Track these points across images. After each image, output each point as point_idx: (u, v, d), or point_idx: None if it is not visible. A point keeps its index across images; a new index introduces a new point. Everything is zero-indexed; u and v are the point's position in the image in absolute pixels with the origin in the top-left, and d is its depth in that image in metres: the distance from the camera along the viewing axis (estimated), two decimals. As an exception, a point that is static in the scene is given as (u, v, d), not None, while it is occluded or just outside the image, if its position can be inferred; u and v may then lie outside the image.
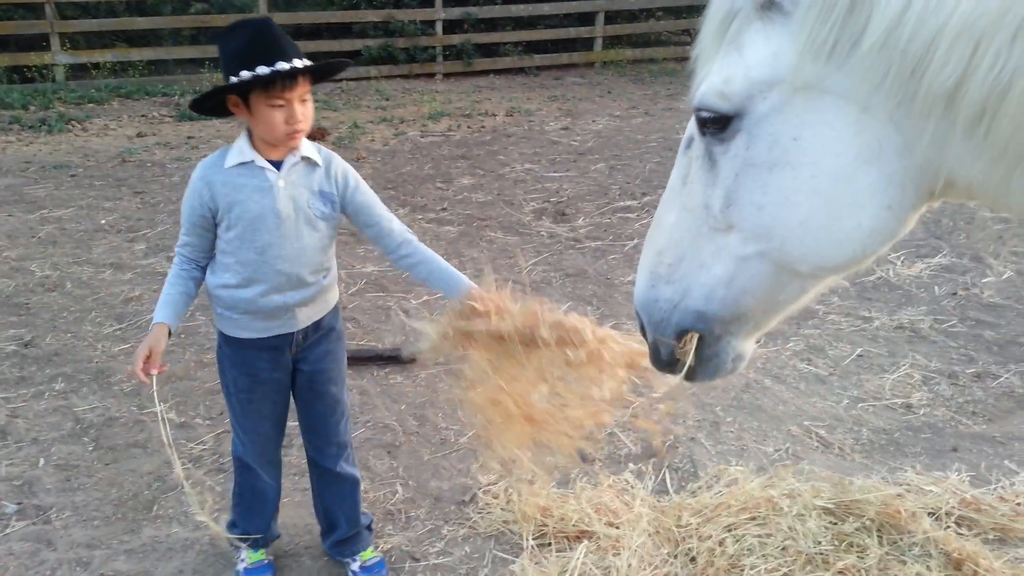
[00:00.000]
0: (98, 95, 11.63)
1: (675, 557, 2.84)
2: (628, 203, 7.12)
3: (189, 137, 9.75)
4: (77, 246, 6.15)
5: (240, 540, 2.81)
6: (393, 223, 2.60)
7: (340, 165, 2.56)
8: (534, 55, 14.42)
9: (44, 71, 12.07)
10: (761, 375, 4.24)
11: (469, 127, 10.28)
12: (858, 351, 4.50)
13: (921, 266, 5.59)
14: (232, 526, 2.87)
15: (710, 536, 2.88)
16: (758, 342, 1.72)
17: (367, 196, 2.59)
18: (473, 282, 2.50)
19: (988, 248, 5.85)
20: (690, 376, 1.67)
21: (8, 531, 3.11)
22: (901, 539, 2.86)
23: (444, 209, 7.02)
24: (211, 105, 2.41)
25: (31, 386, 4.16)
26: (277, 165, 2.44)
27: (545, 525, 3.03)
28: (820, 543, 2.82)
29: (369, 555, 2.90)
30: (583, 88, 13.05)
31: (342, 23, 14.04)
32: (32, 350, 4.53)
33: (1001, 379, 4.19)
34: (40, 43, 12.38)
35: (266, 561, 2.88)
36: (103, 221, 6.73)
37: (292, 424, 2.84)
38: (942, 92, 1.22)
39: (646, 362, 1.84)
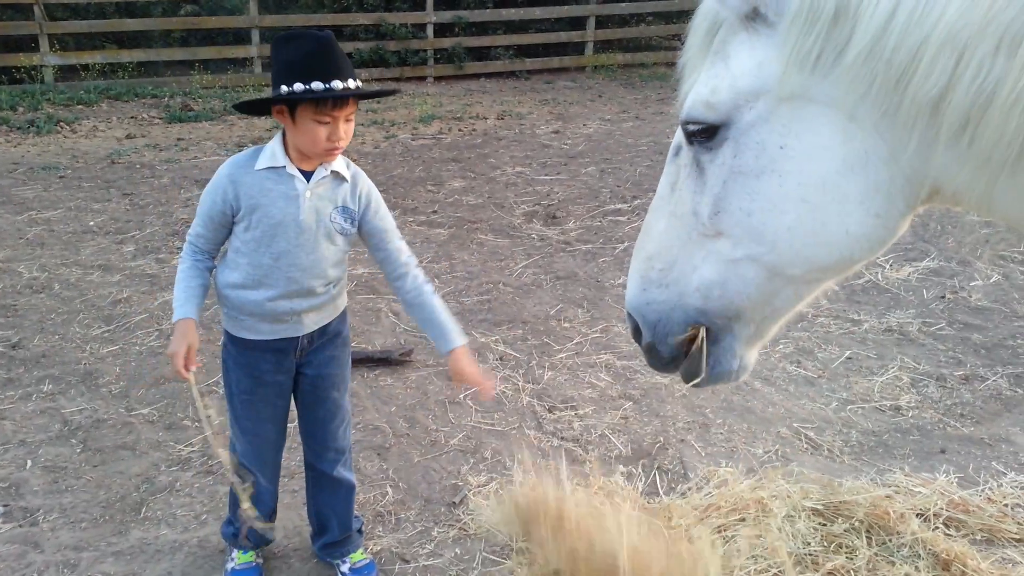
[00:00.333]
0: (87, 96, 11.57)
1: (665, 558, 2.84)
2: (618, 206, 7.14)
3: (179, 139, 9.72)
4: (65, 248, 6.11)
5: (248, 473, 2.62)
6: (402, 254, 2.59)
7: (366, 184, 2.58)
8: (525, 59, 14.45)
9: (33, 72, 12.01)
10: (751, 377, 4.25)
11: (460, 130, 10.29)
12: (847, 353, 4.52)
13: (909, 269, 5.62)
14: (228, 524, 2.86)
15: (700, 537, 2.88)
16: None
17: (384, 222, 2.59)
18: (460, 337, 2.51)
19: (975, 252, 5.89)
20: (692, 377, 1.67)
21: (-6, 534, 3.08)
22: (890, 540, 2.87)
23: (435, 212, 7.02)
24: (254, 105, 2.43)
25: (19, 388, 4.13)
26: (306, 175, 2.44)
27: (536, 526, 3.03)
28: (809, 544, 2.83)
29: (359, 557, 2.89)
30: (574, 92, 13.08)
31: (333, 26, 13.95)
32: (20, 352, 4.50)
33: (988, 382, 4.22)
34: (29, 44, 12.31)
35: (254, 563, 2.87)
36: (92, 223, 6.69)
37: (290, 425, 2.82)
38: (927, 102, 1.23)
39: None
